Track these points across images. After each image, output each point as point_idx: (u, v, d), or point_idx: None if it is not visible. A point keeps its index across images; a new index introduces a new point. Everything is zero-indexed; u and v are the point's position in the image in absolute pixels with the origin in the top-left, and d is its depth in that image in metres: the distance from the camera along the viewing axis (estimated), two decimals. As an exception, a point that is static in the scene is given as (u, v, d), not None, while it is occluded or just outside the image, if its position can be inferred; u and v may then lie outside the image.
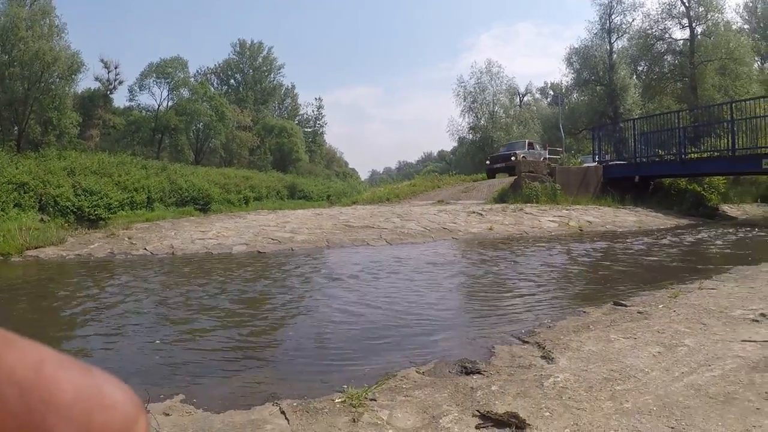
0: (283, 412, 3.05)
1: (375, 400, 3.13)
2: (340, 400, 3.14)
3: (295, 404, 3.15)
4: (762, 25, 47.63)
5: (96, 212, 15.19)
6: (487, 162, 31.68)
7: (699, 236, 12.10)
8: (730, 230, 13.91)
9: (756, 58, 43.42)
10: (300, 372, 3.85)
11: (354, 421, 2.87)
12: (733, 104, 20.40)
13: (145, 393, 3.36)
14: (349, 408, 3.02)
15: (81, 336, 4.98)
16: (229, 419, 3.00)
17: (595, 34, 40.97)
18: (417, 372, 3.65)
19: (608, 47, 40.41)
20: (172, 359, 4.25)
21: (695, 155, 20.63)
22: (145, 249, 8.98)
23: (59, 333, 4.97)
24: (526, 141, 33.78)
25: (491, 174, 30.15)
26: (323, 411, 3.03)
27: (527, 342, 4.30)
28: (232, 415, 3.05)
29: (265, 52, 67.06)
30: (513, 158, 27.76)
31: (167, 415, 3.09)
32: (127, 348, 4.57)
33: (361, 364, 3.86)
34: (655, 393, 3.17)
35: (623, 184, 20.54)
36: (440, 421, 2.85)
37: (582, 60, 41.39)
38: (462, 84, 49.22)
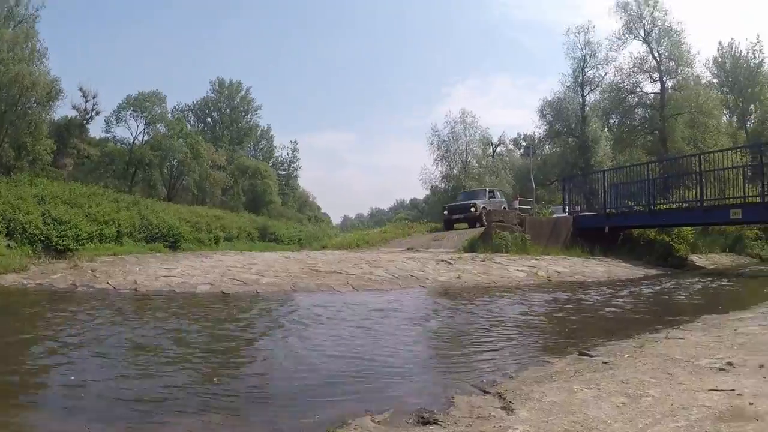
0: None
1: (323, 450, 3.01)
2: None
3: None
4: (730, 79, 49.11)
5: (64, 242, 14.91)
6: (445, 212, 29.10)
7: (667, 286, 12.18)
8: (699, 280, 14.04)
9: (724, 112, 44.68)
10: (250, 418, 3.71)
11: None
12: (702, 156, 20.82)
13: (84, 428, 3.22)
14: (296, 458, 2.90)
15: (24, 368, 4.79)
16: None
17: (568, 87, 41.68)
18: (372, 421, 3.54)
19: (581, 100, 41.10)
20: (118, 400, 4.08)
21: (664, 206, 20.92)
22: (108, 283, 8.78)
23: (18, 364, 4.77)
24: (486, 189, 32.18)
25: (448, 225, 27.74)
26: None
27: (488, 392, 4.21)
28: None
29: (243, 92, 67.41)
30: (473, 209, 26.65)
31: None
32: (83, 376, 4.46)
33: (316, 412, 3.73)
34: (617, 445, 3.10)
35: (593, 235, 20.73)
36: (389, 474, 2.74)
37: (555, 112, 42.04)
38: (436, 133, 49.68)
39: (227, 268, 12.06)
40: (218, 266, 11.96)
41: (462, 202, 28.90)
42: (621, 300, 9.90)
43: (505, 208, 28.40)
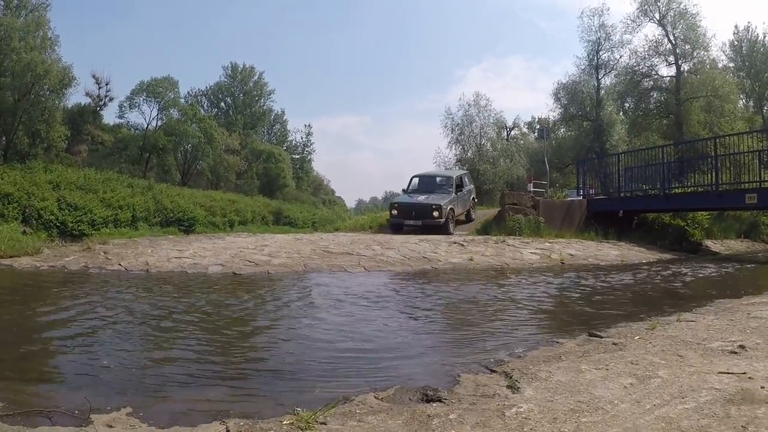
0: (228, 431, 2.94)
1: (325, 424, 3.00)
2: (288, 422, 3.02)
3: (241, 423, 3.03)
4: (747, 63, 48.24)
5: (79, 228, 15.03)
6: (393, 211, 20.50)
7: (681, 270, 12.06)
8: (713, 265, 13.90)
9: (741, 96, 44.01)
10: (254, 392, 3.74)
11: (298, 444, 2.74)
12: (717, 140, 20.56)
13: (86, 402, 3.23)
14: (297, 431, 2.90)
15: (42, 342, 4.87)
16: (172, 436, 2.87)
17: (583, 70, 41.19)
18: (375, 397, 3.53)
19: (595, 83, 40.63)
20: (126, 373, 4.14)
21: (679, 190, 20.71)
22: (120, 265, 8.84)
23: (12, 340, 4.81)
24: (454, 177, 21.71)
25: (396, 229, 19.66)
26: (269, 432, 2.91)
27: (494, 371, 4.19)
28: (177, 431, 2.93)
29: (256, 77, 67.31)
30: (435, 213, 18.63)
31: (110, 427, 3.00)
32: (79, 359, 4.45)
33: (320, 388, 3.73)
34: (623, 426, 3.06)
35: (607, 218, 20.56)
36: (390, 449, 2.73)
37: (569, 95, 41.62)
38: (450, 116, 49.20)
39: (239, 250, 12.14)
40: (230, 248, 11.99)
41: (419, 202, 19.69)
42: (633, 283, 9.83)
43: (474, 199, 23.19)
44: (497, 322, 6.36)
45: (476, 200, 24.28)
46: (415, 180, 22.21)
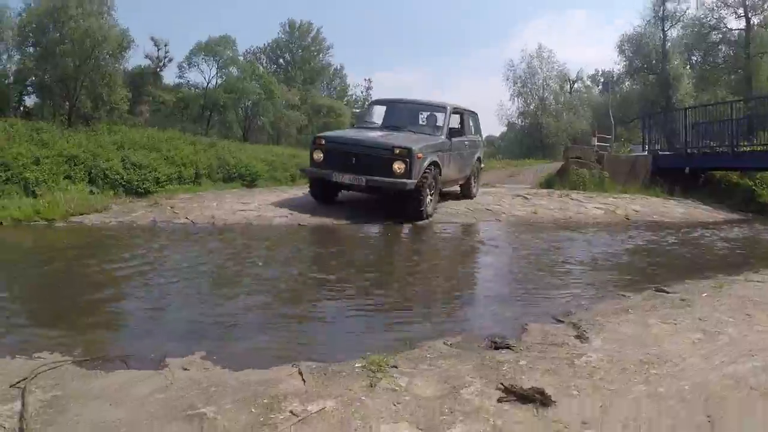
0: (300, 373, 3.03)
1: (396, 367, 3.07)
2: (359, 365, 3.09)
3: (313, 366, 3.12)
4: (821, 17, 45.44)
5: (144, 185, 15.40)
6: (315, 156, 10.36)
7: (748, 231, 11.65)
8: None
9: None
10: (324, 338, 3.82)
11: (371, 386, 2.83)
12: (790, 96, 19.56)
13: (162, 347, 3.35)
14: (368, 373, 2.98)
15: (114, 293, 5.04)
16: (244, 377, 2.99)
17: (648, 21, 39.44)
18: (444, 344, 3.58)
19: (661, 35, 38.94)
20: (198, 320, 4.27)
21: (748, 148, 19.86)
22: (187, 218, 9.06)
23: (85, 291, 5.01)
24: (448, 108, 11.72)
25: (319, 194, 10.76)
26: (341, 374, 3.00)
27: (562, 322, 4.18)
28: (249, 374, 3.04)
29: (314, 33, 67.17)
30: (399, 165, 9.39)
31: (185, 369, 3.11)
32: (152, 307, 4.60)
33: (388, 334, 3.79)
34: (693, 380, 3.04)
35: (672, 175, 19.89)
36: (461, 392, 2.78)
37: (634, 48, 40.02)
38: (512, 68, 48.10)
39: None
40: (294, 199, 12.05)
41: (369, 138, 10.31)
42: (699, 241, 9.56)
43: (480, 160, 13.77)
44: (561, 275, 6.31)
45: (482, 165, 14.48)
46: (378, 109, 12.86)
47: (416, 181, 9.42)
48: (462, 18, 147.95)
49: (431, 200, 10.09)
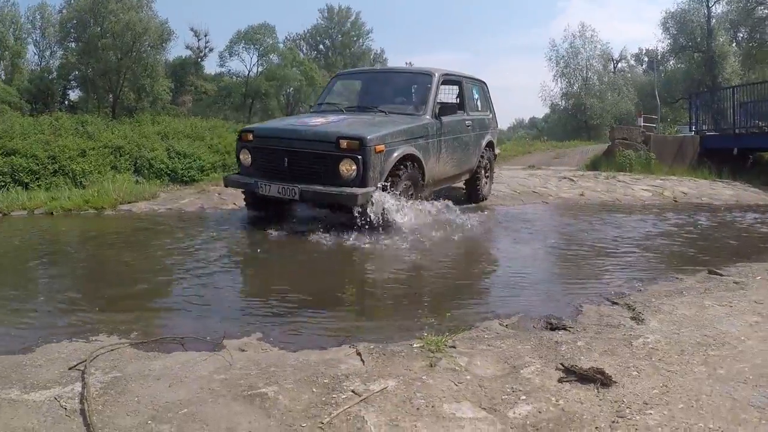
0: (358, 354, 3.07)
1: (454, 347, 3.09)
2: (418, 345, 3.12)
3: (371, 347, 3.16)
4: None
5: (189, 174, 15.71)
6: (241, 155, 7.47)
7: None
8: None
9: None
10: (379, 318, 3.85)
11: (431, 366, 2.85)
12: None
13: (221, 328, 3.42)
14: (427, 353, 3.00)
15: (169, 276, 5.14)
16: (304, 358, 3.03)
17: (692, -3, 38.51)
18: (500, 324, 3.59)
19: (706, 11, 37.87)
20: (253, 301, 4.38)
21: (800, 130, 19.22)
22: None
23: (139, 275, 5.13)
24: (435, 76, 8.20)
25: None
26: (400, 355, 3.02)
27: (616, 303, 4.14)
28: (308, 354, 3.08)
29: (353, 17, 67.29)
30: (347, 166, 6.42)
31: (243, 351, 3.17)
32: (210, 286, 4.69)
33: (442, 314, 3.80)
34: (752, 362, 2.99)
35: (720, 156, 19.40)
36: (521, 371, 2.79)
37: (678, 25, 39.01)
38: (554, 48, 47.62)
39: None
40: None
41: (309, 129, 6.99)
42: (750, 224, 9.33)
43: (492, 147, 10.38)
44: (612, 257, 6.23)
45: (497, 152, 11.30)
46: (346, 85, 10.04)
47: (373, 188, 6.33)
48: None
49: (403, 212, 6.71)
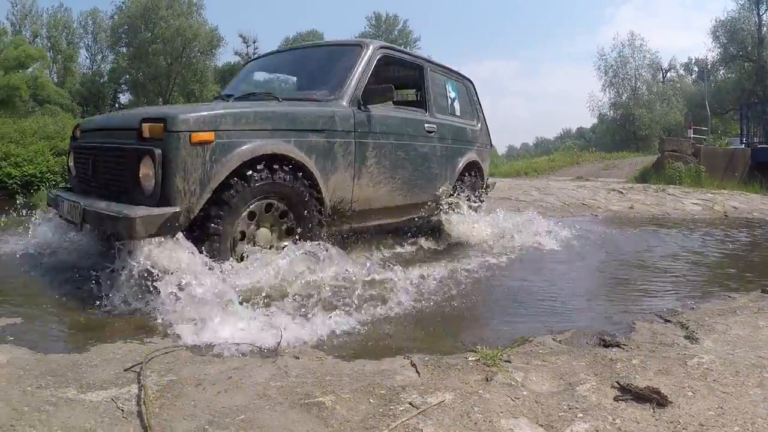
0: (413, 365, 3.09)
1: (509, 362, 3.11)
2: (473, 358, 3.15)
3: (426, 359, 3.18)
4: None
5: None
6: (71, 162, 5.21)
7: None
8: None
9: None
10: (431, 330, 3.87)
11: (487, 380, 2.87)
12: None
13: (275, 335, 3.42)
14: (483, 367, 3.02)
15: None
16: (359, 368, 3.07)
17: (743, 5, 37.69)
18: (553, 339, 3.60)
19: (756, 20, 37.05)
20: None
21: None
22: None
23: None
24: (360, 50, 5.59)
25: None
26: (455, 367, 3.05)
27: (669, 321, 4.12)
28: (363, 364, 3.12)
29: (400, 25, 67.69)
30: (144, 169, 3.86)
31: (297, 358, 3.20)
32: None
33: (495, 328, 3.83)
34: (810, 386, 2.96)
35: (773, 170, 18.99)
36: (577, 388, 2.80)
37: (729, 34, 38.28)
38: (603, 57, 47.31)
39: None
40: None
41: (123, 115, 5.20)
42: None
43: (475, 171, 7.58)
44: (663, 273, 6.17)
45: (487, 181, 8.30)
46: (269, 67, 7.47)
47: (179, 209, 3.83)
48: (549, 5, 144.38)
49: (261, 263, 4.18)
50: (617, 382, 2.86)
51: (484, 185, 7.99)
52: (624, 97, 46.75)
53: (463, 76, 7.76)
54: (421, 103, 6.63)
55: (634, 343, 3.58)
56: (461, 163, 7.12)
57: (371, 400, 2.66)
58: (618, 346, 3.49)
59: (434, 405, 2.60)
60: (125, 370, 2.88)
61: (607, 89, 47.87)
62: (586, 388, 2.81)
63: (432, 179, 6.47)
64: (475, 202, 7.38)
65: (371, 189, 5.42)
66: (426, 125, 6.29)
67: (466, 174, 7.30)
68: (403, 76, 7.12)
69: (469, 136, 7.41)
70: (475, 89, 7.95)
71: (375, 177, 5.43)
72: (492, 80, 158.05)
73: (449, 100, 7.20)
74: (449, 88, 7.21)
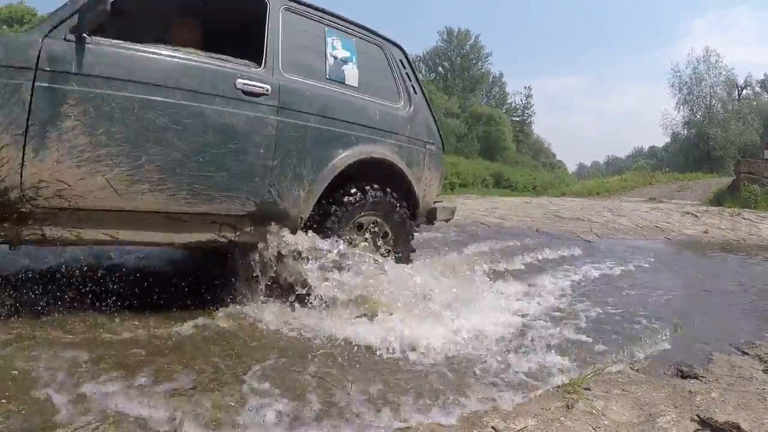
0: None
1: (589, 389, 3.18)
2: (554, 385, 3.24)
3: (515, 382, 3.27)
4: None
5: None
6: None
7: None
8: None
9: None
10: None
11: (568, 407, 2.94)
12: None
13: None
14: (563, 394, 3.10)
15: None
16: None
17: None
18: (631, 368, 3.65)
19: (839, 34, 35.34)
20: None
21: None
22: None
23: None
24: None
25: None
26: (536, 393, 3.13)
27: (747, 353, 4.10)
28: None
29: (472, 40, 67.77)
30: None
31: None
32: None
33: (569, 354, 3.84)
34: None
35: None
36: (657, 420, 2.85)
37: (807, 49, 36.61)
38: (677, 74, 45.94)
39: (470, 212, 12.64)
40: (461, 209, 12.29)
41: None
42: None
43: (423, 150, 5.24)
44: (738, 302, 6.08)
45: (434, 205, 5.55)
46: None
47: None
48: (621, 21, 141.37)
49: None
50: (697, 415, 2.90)
51: (417, 208, 5.17)
52: (698, 116, 45.28)
53: (381, 36, 5.24)
54: (256, 55, 4.09)
55: (713, 375, 3.59)
56: (342, 160, 4.38)
57: (454, 422, 2.73)
58: (696, 377, 3.52)
59: (517, 430, 2.67)
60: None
61: (680, 107, 46.63)
62: (666, 420, 2.85)
63: (250, 176, 3.89)
64: (387, 242, 4.81)
65: (77, 170, 3.21)
66: (242, 82, 3.83)
67: (366, 185, 4.54)
68: (229, 13, 4.79)
69: (376, 119, 4.73)
70: (407, 58, 5.50)
71: (86, 150, 3.24)
72: (564, 96, 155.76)
73: (332, 60, 4.58)
74: (335, 44, 4.65)
